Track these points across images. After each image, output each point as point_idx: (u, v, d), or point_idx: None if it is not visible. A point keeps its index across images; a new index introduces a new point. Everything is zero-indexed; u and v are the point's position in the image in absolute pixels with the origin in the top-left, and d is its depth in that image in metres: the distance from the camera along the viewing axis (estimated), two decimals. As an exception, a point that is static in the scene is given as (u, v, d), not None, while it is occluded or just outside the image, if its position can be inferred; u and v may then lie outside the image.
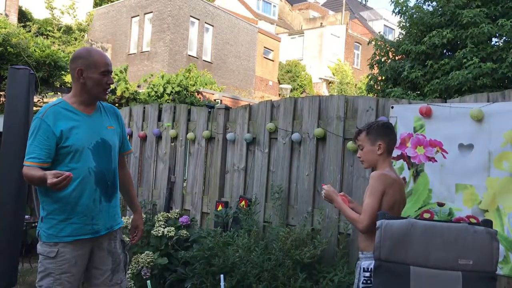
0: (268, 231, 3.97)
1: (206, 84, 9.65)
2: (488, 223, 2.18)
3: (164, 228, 4.40)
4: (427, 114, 3.32)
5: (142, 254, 4.23)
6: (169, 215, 4.68)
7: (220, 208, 4.33)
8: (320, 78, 28.54)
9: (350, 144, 3.68)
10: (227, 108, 4.62)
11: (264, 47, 25.73)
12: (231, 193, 4.46)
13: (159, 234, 4.33)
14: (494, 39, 8.08)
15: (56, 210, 2.41)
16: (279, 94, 24.17)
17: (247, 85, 22.90)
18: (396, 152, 3.47)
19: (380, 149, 2.59)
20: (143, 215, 4.60)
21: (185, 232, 4.43)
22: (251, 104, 4.63)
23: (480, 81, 7.12)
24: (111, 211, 2.58)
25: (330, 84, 28.36)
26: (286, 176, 4.09)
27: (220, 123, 4.59)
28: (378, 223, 2.30)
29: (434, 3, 8.68)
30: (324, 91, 28.04)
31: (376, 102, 3.65)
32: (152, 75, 9.79)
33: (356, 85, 27.01)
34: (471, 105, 3.19)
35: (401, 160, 3.44)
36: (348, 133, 3.77)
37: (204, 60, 20.49)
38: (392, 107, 3.53)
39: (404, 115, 3.46)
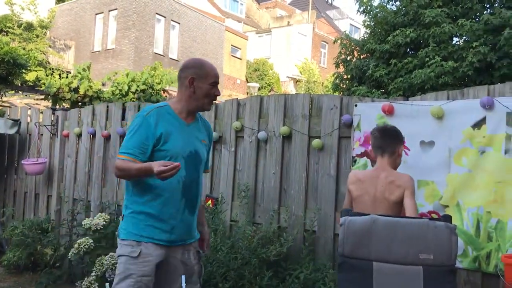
0: (235, 230, 3.95)
1: (172, 82, 9.54)
2: (447, 218, 2.23)
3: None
4: (389, 112, 3.38)
5: (106, 256, 4.15)
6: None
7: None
8: (288, 77, 28.70)
9: (315, 142, 3.70)
10: (192, 107, 4.57)
11: (232, 45, 25.68)
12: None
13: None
14: (455, 39, 8.29)
15: (141, 212, 2.37)
16: (247, 93, 24.17)
17: (214, 83, 22.78)
18: (360, 150, 3.52)
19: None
20: (107, 216, 4.54)
21: (150, 232, 4.35)
22: (217, 102, 4.59)
23: (442, 80, 7.28)
24: (191, 224, 2.52)
25: (297, 83, 28.56)
26: (253, 174, 4.08)
27: (185, 121, 4.54)
28: (342, 220, 2.32)
29: (398, 3, 8.82)
30: (291, 89, 28.21)
31: (340, 100, 3.68)
32: (116, 73, 9.60)
33: (323, 83, 27.27)
34: (431, 103, 3.26)
35: (365, 158, 3.49)
36: (313, 131, 3.79)
37: (170, 58, 20.28)
38: (356, 105, 3.57)
39: (367, 113, 3.51)
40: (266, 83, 26.29)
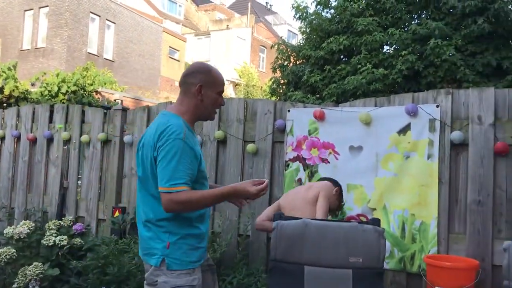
0: (167, 236, 3.86)
1: (105, 84, 9.22)
2: (376, 222, 2.28)
3: (55, 237, 4.12)
4: (320, 117, 3.45)
5: (30, 266, 3.93)
6: (62, 223, 4.38)
7: (117, 214, 4.15)
8: (227, 80, 28.68)
9: (250, 147, 3.70)
10: (124, 109, 4.44)
11: (170, 47, 25.31)
12: (128, 198, 4.29)
13: (50, 244, 4.04)
14: (385, 47, 8.63)
15: (189, 234, 2.16)
16: (185, 95, 23.87)
17: (151, 85, 22.37)
18: (292, 154, 3.57)
19: None
20: (32, 223, 4.30)
21: (79, 240, 4.18)
22: (150, 105, 4.49)
23: (373, 86, 7.55)
24: None
25: (236, 86, 28.64)
26: (186, 179, 4.02)
27: (117, 125, 4.40)
28: (274, 224, 2.33)
29: (332, 11, 9.07)
30: (231, 93, 28.24)
31: (274, 105, 3.71)
32: (45, 73, 9.15)
33: (262, 87, 27.52)
34: (360, 109, 3.36)
35: (297, 162, 3.54)
36: (248, 135, 3.79)
37: (105, 59, 19.65)
38: (289, 111, 3.62)
39: (300, 118, 3.56)
40: (205, 86, 26.10)
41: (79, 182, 4.67)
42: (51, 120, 4.85)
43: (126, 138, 4.29)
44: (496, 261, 2.88)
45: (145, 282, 2.21)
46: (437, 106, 3.13)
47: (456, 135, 3.03)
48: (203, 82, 2.20)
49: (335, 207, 3.04)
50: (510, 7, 7.77)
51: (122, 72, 20.27)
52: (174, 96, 22.79)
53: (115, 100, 10.37)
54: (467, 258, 2.94)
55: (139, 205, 2.21)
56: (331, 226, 2.30)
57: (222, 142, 3.90)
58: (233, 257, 3.63)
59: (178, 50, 26.08)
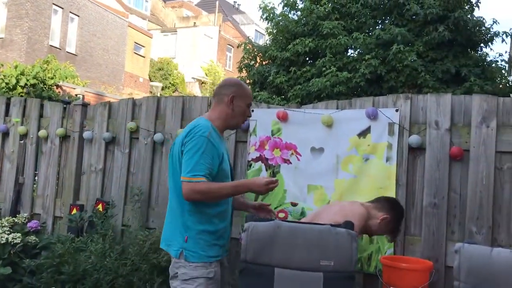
0: (126, 235, 3.80)
1: (67, 78, 8.97)
2: (349, 225, 2.29)
3: (8, 234, 3.98)
4: (283, 118, 3.46)
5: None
6: (16, 220, 4.24)
7: (74, 211, 4.04)
8: (193, 78, 28.52)
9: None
10: (84, 105, 4.33)
11: (135, 42, 24.92)
12: (87, 195, 4.19)
13: (2, 241, 3.90)
14: (350, 51, 8.79)
15: (205, 231, 2.36)
16: (150, 92, 23.60)
17: (115, 80, 21.96)
18: (255, 154, 3.57)
19: None
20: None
21: (33, 238, 4.05)
22: (111, 101, 4.40)
23: (337, 89, 7.68)
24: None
25: (203, 84, 28.48)
26: (148, 177, 3.96)
27: (76, 120, 4.29)
28: (246, 225, 2.32)
29: (299, 13, 9.17)
30: (197, 91, 28.06)
31: (238, 105, 3.70)
32: (3, 65, 8.83)
33: (227, 86, 27.42)
34: (322, 111, 3.40)
35: (260, 162, 3.54)
36: (210, 134, 3.77)
37: (68, 52, 19.16)
38: (253, 111, 3.61)
39: (263, 118, 3.57)
40: (170, 83, 25.86)
41: (36, 178, 4.53)
42: (7, 113, 4.68)
43: (86, 134, 4.19)
44: (449, 262, 2.97)
45: (169, 276, 2.48)
46: (397, 111, 3.20)
47: (414, 139, 3.11)
48: (236, 93, 2.50)
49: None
50: (469, 16, 8.05)
51: (85, 67, 19.80)
52: (138, 92, 22.49)
53: (76, 95, 10.09)
54: (422, 259, 3.01)
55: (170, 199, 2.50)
56: (303, 228, 2.29)
57: (184, 141, 3.86)
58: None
59: (144, 46, 25.71)
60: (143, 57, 25.63)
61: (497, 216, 2.95)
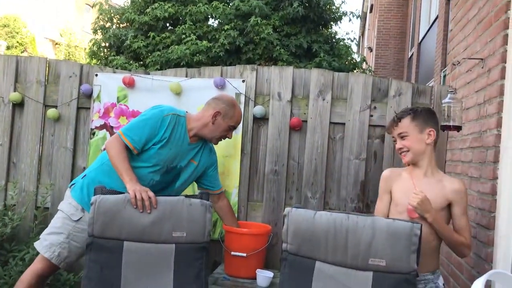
0: None
1: None
2: (204, 196, 2.27)
3: None
4: (130, 84, 3.32)
5: None
6: None
7: None
8: (46, 38, 26.07)
9: (50, 112, 3.39)
10: None
11: (-26, -7, 21.86)
12: None
13: None
14: (210, 20, 8.75)
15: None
16: (-6, 51, 21.02)
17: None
18: (99, 122, 3.38)
19: (429, 138, 2.20)
20: None
21: None
22: None
23: (196, 58, 7.62)
24: None
25: (57, 46, 26.23)
26: (-26, 145, 3.53)
27: None
28: (93, 199, 2.17)
29: (159, -25, 8.82)
30: (50, 52, 25.75)
31: (80, 69, 3.45)
32: None
33: (85, 49, 25.70)
34: (171, 79, 3.33)
35: (104, 130, 3.37)
36: (49, 99, 3.47)
37: None
38: (96, 75, 3.40)
39: (108, 84, 3.38)
40: (18, 42, 23.29)
41: None
42: None
43: None
44: (286, 225, 3.17)
45: None
46: (243, 81, 3.27)
47: (258, 109, 3.21)
48: (222, 111, 2.61)
49: None
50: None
51: None
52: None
53: None
54: (263, 223, 3.18)
55: None
56: (159, 200, 2.22)
57: (19, 106, 3.50)
58: (28, 232, 3.33)
59: (-15, -2, 22.66)
60: (-15, 10, 22.63)
61: (329, 182, 3.21)
